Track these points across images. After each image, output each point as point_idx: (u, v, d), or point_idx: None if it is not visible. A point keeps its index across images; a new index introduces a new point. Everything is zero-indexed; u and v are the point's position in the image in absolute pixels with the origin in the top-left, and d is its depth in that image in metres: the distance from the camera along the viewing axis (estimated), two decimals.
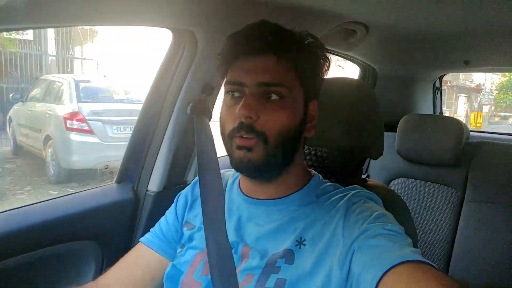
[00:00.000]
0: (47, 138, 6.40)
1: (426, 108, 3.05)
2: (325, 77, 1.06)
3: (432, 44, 2.25)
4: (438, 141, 2.25)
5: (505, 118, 21.40)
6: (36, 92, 7.63)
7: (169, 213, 1.21)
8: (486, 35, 1.98)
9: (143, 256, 1.16)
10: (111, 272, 1.15)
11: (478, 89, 19.37)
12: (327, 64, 1.04)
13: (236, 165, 0.98)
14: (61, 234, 1.32)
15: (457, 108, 19.85)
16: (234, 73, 0.98)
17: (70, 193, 1.44)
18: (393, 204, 1.19)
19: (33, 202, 1.34)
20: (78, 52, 12.03)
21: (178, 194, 1.23)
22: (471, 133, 2.52)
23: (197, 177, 1.20)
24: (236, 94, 0.97)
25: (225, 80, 1.01)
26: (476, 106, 19.92)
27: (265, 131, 0.93)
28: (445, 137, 2.24)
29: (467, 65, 2.51)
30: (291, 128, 0.96)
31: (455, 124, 2.29)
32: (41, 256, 1.26)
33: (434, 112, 3.13)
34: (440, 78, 3.08)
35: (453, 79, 17.59)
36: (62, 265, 1.34)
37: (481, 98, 19.59)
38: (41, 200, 1.36)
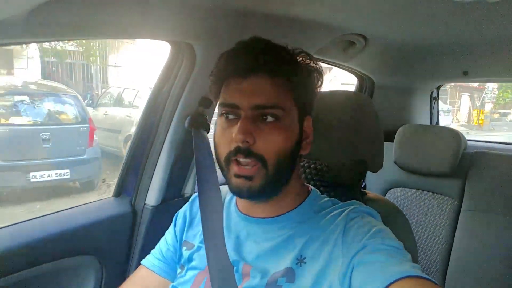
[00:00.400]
0: (128, 137, 7.12)
1: (423, 118, 3.05)
2: (318, 91, 1.05)
3: (431, 55, 2.26)
4: (435, 151, 2.25)
5: (504, 115, 22.29)
6: (105, 98, 8.68)
7: (168, 234, 1.20)
8: (485, 46, 1.98)
9: (144, 278, 1.17)
10: None
11: (480, 88, 20.42)
12: (321, 79, 1.03)
13: (234, 192, 0.97)
14: (60, 249, 1.31)
15: (460, 106, 20.79)
16: (227, 95, 0.97)
17: (68, 208, 1.42)
18: (392, 217, 1.18)
19: (30, 218, 1.32)
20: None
21: (176, 214, 1.22)
22: (468, 142, 2.52)
23: (195, 194, 1.20)
24: (231, 116, 0.96)
25: (218, 102, 1.00)
26: (478, 104, 20.91)
27: (263, 154, 0.92)
28: (443, 147, 2.24)
29: (466, 75, 2.51)
30: (288, 149, 0.95)
31: (453, 134, 2.28)
32: (40, 272, 1.25)
33: (431, 122, 3.14)
34: (438, 88, 3.09)
35: None
36: (62, 280, 1.33)
37: (483, 97, 20.56)
38: (39, 216, 1.35)
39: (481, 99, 20.68)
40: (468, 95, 20.68)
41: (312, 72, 1.01)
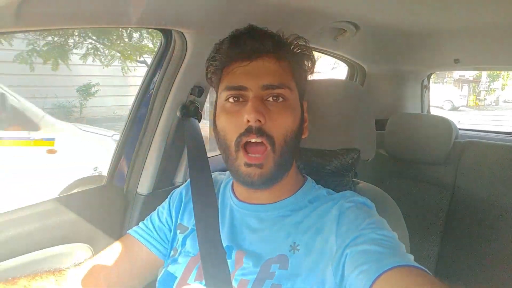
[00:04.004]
0: None
1: (414, 106, 3.05)
2: (310, 77, 1.09)
3: (422, 43, 2.26)
4: (426, 139, 2.26)
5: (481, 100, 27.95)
6: None
7: (162, 210, 1.19)
8: (476, 33, 1.99)
9: (131, 248, 1.14)
10: (96, 261, 1.12)
11: (475, 81, 26.46)
12: (313, 65, 1.07)
13: (245, 181, 0.97)
14: (52, 237, 1.31)
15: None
16: (233, 78, 0.97)
17: (60, 196, 1.42)
18: (384, 205, 1.19)
19: (23, 206, 1.32)
20: None
21: (172, 192, 1.22)
22: (460, 131, 2.53)
23: (175, 191, 1.22)
24: (241, 99, 0.96)
25: (222, 87, 1.00)
26: (476, 92, 26.99)
27: (272, 135, 0.94)
28: (434, 135, 2.25)
29: (457, 63, 2.51)
30: (294, 129, 0.97)
31: (444, 123, 2.29)
32: (34, 259, 1.25)
33: (422, 111, 3.14)
34: (429, 77, 3.09)
35: (457, 73, 24.62)
36: (55, 267, 1.33)
37: (479, 86, 26.48)
38: (32, 204, 1.35)
39: (478, 88, 26.49)
40: (468, 85, 26.57)
41: (307, 58, 1.04)
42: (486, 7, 1.57)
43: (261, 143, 0.94)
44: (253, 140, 0.94)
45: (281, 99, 0.95)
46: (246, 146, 0.95)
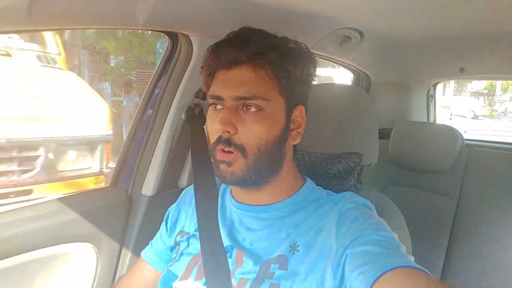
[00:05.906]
0: None
1: (419, 115, 3.05)
2: (313, 81, 1.07)
3: (427, 51, 2.26)
4: (432, 148, 2.25)
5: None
6: None
7: (162, 229, 1.25)
8: (482, 41, 1.99)
9: (143, 271, 1.24)
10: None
11: (490, 94, 31.11)
12: (313, 67, 1.05)
13: (220, 177, 1.00)
14: (57, 236, 1.32)
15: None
16: (214, 87, 0.99)
17: (65, 195, 1.43)
18: (386, 210, 1.19)
19: (28, 205, 1.33)
20: None
21: (168, 211, 1.26)
22: (466, 141, 2.52)
23: (186, 189, 1.24)
24: (219, 106, 0.99)
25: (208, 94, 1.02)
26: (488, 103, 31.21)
27: (243, 144, 0.95)
28: (439, 144, 2.25)
29: (463, 72, 2.51)
30: (269, 140, 0.96)
31: (449, 132, 2.29)
32: (38, 257, 1.27)
33: (428, 120, 3.14)
34: (434, 86, 3.09)
35: (474, 86, 29.73)
36: (59, 265, 1.35)
37: (495, 98, 30.79)
38: (37, 202, 1.36)
39: (493, 100, 31.01)
40: (483, 97, 30.95)
41: (302, 62, 1.01)
42: (491, 16, 1.57)
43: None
44: (225, 150, 0.96)
45: (254, 109, 0.95)
46: None
